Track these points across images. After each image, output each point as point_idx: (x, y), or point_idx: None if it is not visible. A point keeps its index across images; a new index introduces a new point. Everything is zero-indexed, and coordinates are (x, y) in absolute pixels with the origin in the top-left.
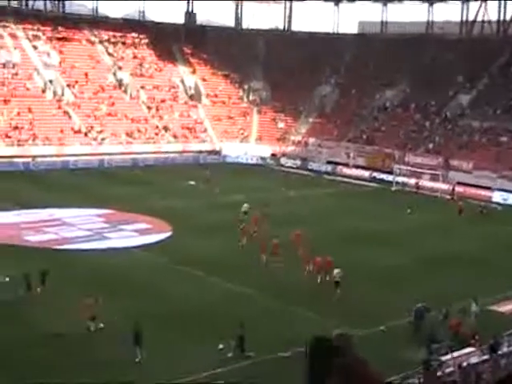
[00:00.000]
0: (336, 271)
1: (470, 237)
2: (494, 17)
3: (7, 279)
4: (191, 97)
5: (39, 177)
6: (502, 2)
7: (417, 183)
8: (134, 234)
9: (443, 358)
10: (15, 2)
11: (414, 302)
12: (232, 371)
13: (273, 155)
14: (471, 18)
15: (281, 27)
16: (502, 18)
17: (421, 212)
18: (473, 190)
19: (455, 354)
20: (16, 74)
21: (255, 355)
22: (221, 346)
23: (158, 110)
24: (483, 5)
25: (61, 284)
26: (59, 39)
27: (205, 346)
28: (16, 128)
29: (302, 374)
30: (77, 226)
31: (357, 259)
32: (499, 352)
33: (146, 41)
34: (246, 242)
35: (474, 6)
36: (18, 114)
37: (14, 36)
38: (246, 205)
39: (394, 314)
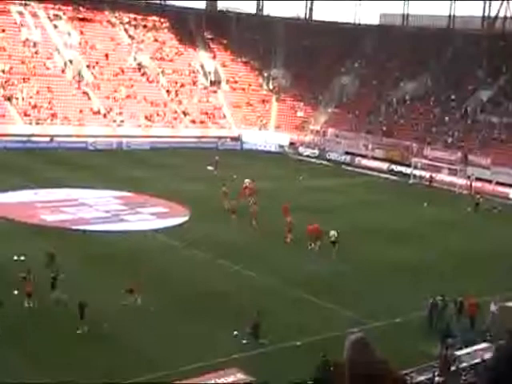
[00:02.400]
0: (332, 233)
1: (487, 232)
2: None
3: (22, 258)
4: (212, 82)
5: (57, 156)
6: None
7: (430, 176)
8: (151, 217)
9: (458, 353)
10: None
11: (431, 296)
12: (246, 358)
13: (291, 144)
14: (493, 14)
15: (302, 16)
16: None
17: (438, 206)
18: (491, 187)
19: (470, 349)
20: (36, 53)
21: (268, 343)
22: (235, 333)
23: (177, 94)
24: (506, 1)
25: (78, 264)
26: (80, 19)
27: (220, 332)
28: (35, 107)
29: None
30: (94, 207)
31: (372, 251)
32: None
33: (167, 25)
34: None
35: (496, 1)
36: (37, 92)
37: (34, 15)
38: (247, 180)
39: (412, 306)
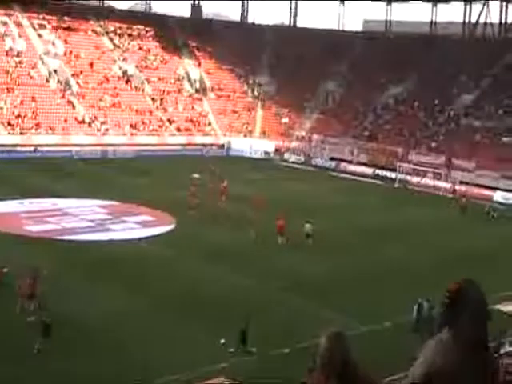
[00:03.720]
0: (307, 226)
1: (473, 234)
2: (495, 19)
3: (5, 270)
4: (197, 90)
5: (42, 166)
6: (504, 5)
7: (405, 180)
8: (136, 226)
9: None
10: None
11: (415, 301)
12: (233, 366)
13: (276, 150)
14: (474, 20)
15: (286, 23)
16: (503, 20)
17: (424, 209)
18: (475, 190)
19: None
20: (20, 63)
21: (256, 351)
22: (222, 341)
23: (162, 102)
24: (486, 6)
25: (63, 275)
26: (65, 29)
27: (208, 340)
28: (19, 116)
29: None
30: (79, 217)
31: (361, 253)
32: (501, 352)
33: (152, 33)
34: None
35: (476, 7)
36: (22, 102)
37: (19, 24)
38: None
39: (401, 309)
